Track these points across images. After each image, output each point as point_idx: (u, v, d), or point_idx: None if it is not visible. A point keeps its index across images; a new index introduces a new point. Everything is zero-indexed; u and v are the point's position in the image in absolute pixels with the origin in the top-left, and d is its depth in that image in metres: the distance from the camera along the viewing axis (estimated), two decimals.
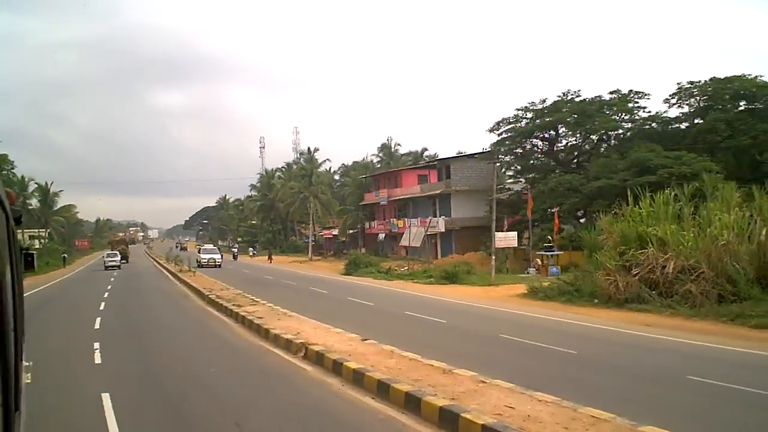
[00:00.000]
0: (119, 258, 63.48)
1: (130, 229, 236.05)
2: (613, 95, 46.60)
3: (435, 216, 58.23)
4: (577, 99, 47.25)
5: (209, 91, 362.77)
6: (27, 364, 4.38)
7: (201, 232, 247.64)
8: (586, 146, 48.55)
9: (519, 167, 53.77)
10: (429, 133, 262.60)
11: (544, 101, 48.43)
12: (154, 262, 72.19)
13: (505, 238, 35.06)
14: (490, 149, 56.37)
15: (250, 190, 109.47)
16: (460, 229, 54.59)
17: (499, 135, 51.06)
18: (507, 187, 59.21)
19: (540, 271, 37.08)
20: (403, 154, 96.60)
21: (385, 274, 42.11)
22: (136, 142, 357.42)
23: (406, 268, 45.84)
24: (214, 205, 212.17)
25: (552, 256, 37.25)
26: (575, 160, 48.32)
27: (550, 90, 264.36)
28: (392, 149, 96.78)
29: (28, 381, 4.44)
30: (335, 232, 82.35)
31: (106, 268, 58.46)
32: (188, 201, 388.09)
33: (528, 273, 38.85)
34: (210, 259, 55.99)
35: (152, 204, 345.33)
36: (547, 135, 49.31)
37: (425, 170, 65.85)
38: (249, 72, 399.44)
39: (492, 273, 33.84)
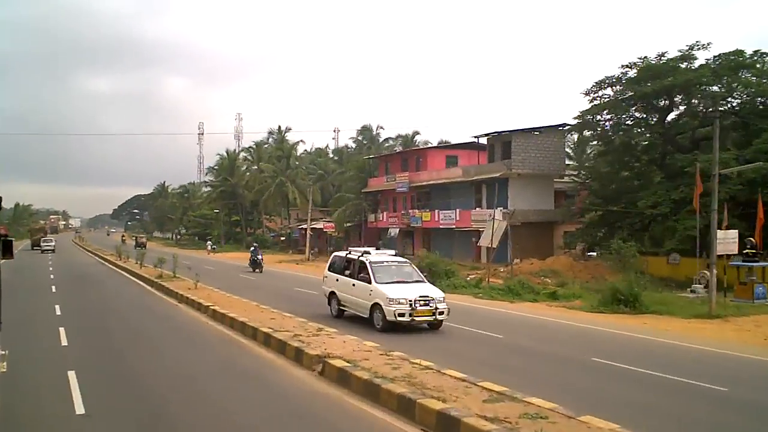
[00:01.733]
0: (53, 243, 68.30)
1: (51, 216, 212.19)
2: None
3: (480, 207, 44.40)
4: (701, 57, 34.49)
5: (142, 77, 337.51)
6: (3, 352, 4.80)
7: (131, 222, 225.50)
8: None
9: (602, 144, 40.70)
10: (402, 118, 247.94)
11: (662, 55, 35.31)
12: (96, 258, 55.15)
13: (725, 240, 21.47)
14: (558, 125, 43.12)
15: (206, 173, 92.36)
16: (521, 225, 40.91)
17: (591, 101, 37.59)
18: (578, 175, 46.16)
19: (738, 293, 23.84)
20: (387, 139, 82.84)
21: (476, 288, 27.96)
22: (60, 126, 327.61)
23: (474, 277, 31.87)
24: (150, 192, 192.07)
25: (754, 268, 24.03)
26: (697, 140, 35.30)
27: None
28: (374, 132, 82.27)
29: (4, 370, 4.93)
30: (318, 225, 67.09)
31: (43, 251, 63.88)
32: (114, 190, 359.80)
33: (694, 292, 25.62)
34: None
35: (74, 192, 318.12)
36: (658, 103, 36.17)
37: (454, 150, 51.86)
38: (184, 58, 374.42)
39: (712, 297, 20.22)
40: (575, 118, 39.41)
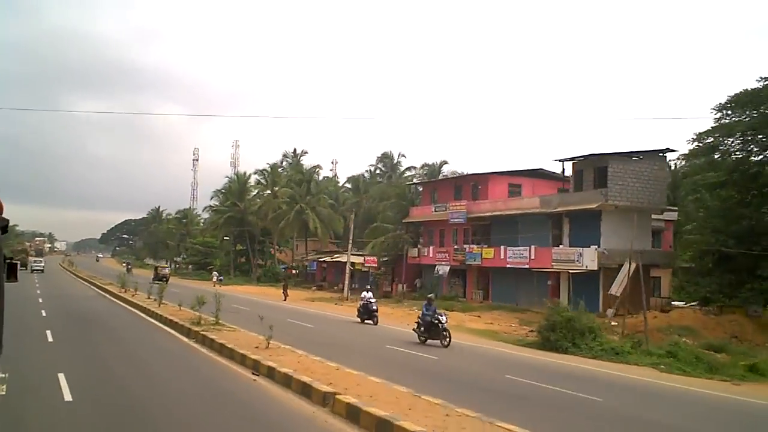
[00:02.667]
0: (43, 264, 71.89)
1: (36, 239, 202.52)
2: None
3: (560, 243, 37.07)
4: None
5: (132, 103, 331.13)
6: (2, 375, 4.85)
7: (119, 248, 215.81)
8: None
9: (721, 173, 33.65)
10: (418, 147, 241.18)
11: None
12: (93, 287, 46.78)
13: None
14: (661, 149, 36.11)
15: (211, 197, 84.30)
16: (616, 267, 33.48)
17: (718, 120, 30.63)
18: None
19: None
20: (410, 167, 75.84)
21: (629, 353, 20.34)
22: (48, 149, 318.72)
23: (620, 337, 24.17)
24: (143, 217, 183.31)
25: None
26: None
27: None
28: (395, 160, 75.20)
29: (3, 393, 4.97)
30: (341, 258, 59.27)
31: (32, 270, 65.06)
32: (100, 214, 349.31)
33: None
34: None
35: (60, 215, 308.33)
36: None
37: (517, 178, 44.65)
38: (175, 86, 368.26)
39: None
40: (690, 140, 32.32)
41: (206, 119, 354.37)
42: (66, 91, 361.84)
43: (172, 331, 20.40)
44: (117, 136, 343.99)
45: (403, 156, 76.95)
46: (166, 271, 59.28)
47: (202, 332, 18.41)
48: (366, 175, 78.56)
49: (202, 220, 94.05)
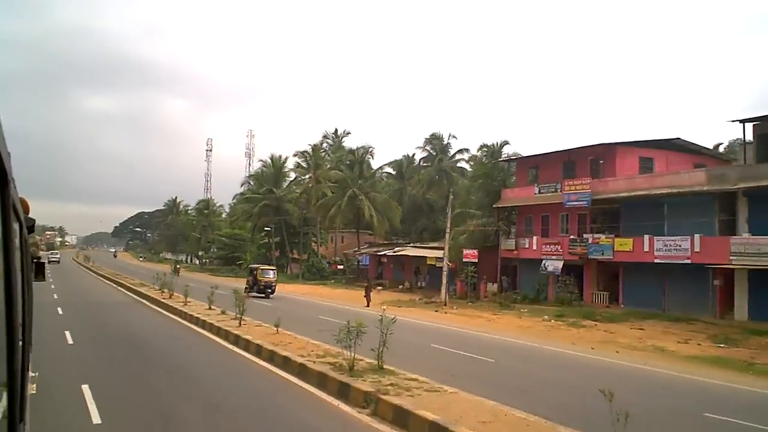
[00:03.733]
0: (59, 255, 77.10)
1: (47, 232, 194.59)
2: None
3: (731, 232, 28.00)
4: None
5: (140, 97, 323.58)
6: (33, 374, 4.33)
7: (132, 242, 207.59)
8: None
9: None
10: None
11: None
12: (124, 290, 37.97)
13: None
14: None
15: (242, 185, 75.60)
16: None
17: None
18: None
19: None
20: (462, 150, 66.85)
21: None
22: (57, 143, 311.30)
23: None
24: (157, 210, 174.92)
25: None
26: None
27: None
28: (444, 142, 66.16)
29: (33, 392, 4.35)
30: (406, 250, 50.35)
31: (49, 262, 62.41)
32: (109, 208, 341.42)
33: None
34: None
35: (70, 209, 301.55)
36: None
37: (648, 150, 35.50)
38: (184, 80, 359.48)
39: None
40: None
41: (214, 111, 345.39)
42: (73, 86, 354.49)
43: (309, 387, 11.31)
44: (126, 130, 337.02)
45: (454, 137, 67.86)
46: (271, 276, 38.85)
47: (380, 395, 9.43)
48: (405, 159, 69.55)
49: (223, 212, 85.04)
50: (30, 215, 3.96)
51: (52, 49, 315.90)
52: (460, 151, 67.28)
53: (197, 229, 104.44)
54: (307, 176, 63.95)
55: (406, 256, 49.39)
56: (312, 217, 68.27)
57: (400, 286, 48.01)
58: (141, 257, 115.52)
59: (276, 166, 69.09)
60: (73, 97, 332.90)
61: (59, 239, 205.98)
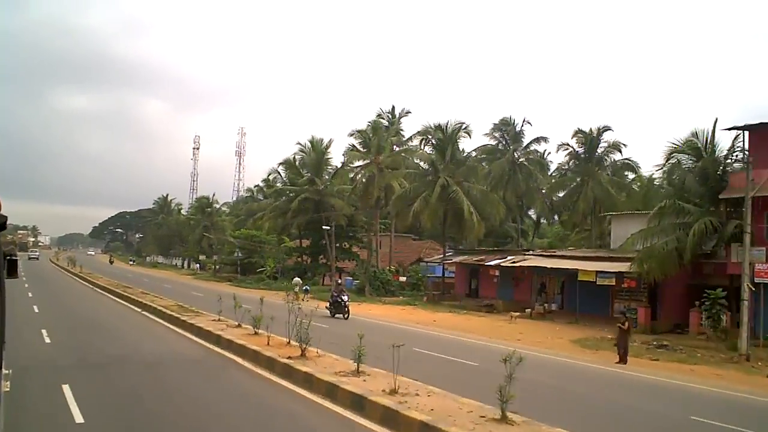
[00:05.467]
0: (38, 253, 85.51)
1: (19, 232, 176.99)
2: None
3: None
4: None
5: (120, 97, 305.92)
6: (6, 372, 4.32)
7: (112, 243, 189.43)
8: None
9: None
10: None
11: None
12: (156, 319, 22.68)
13: None
14: None
15: (269, 174, 60.34)
16: None
17: None
18: None
19: None
20: (538, 138, 53.53)
21: None
22: (31, 143, 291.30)
23: None
24: (144, 209, 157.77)
25: None
26: None
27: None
28: (517, 129, 52.32)
29: (7, 389, 4.49)
30: (529, 260, 36.06)
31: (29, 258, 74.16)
32: (85, 210, 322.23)
33: None
34: None
35: (44, 209, 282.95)
36: None
37: None
38: (166, 80, 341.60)
39: None
40: None
41: (195, 111, 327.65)
42: (51, 83, 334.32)
43: None
44: (103, 129, 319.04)
45: (528, 123, 54.06)
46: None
47: None
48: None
49: (265, 204, 70.00)
50: (2, 212, 4.08)
51: (28, 45, 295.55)
52: (537, 140, 53.61)
53: (197, 229, 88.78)
54: (361, 162, 49.16)
55: (522, 267, 35.03)
56: (358, 215, 53.62)
57: (527, 310, 33.57)
58: (131, 261, 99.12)
59: (317, 150, 54.07)
60: (49, 95, 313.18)
61: (32, 239, 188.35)
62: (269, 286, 50.68)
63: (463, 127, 42.15)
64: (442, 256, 43.52)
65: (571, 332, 26.81)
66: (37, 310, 22.83)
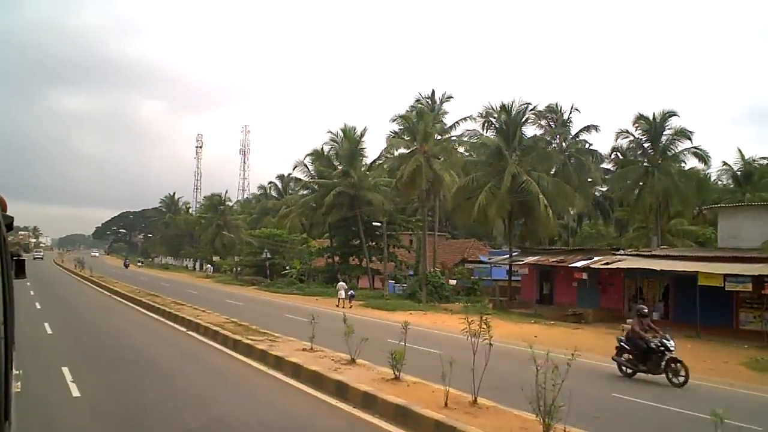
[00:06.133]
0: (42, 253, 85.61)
1: (21, 233, 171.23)
2: None
3: None
4: None
5: (115, 97, 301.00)
6: (16, 372, 4.24)
7: (116, 244, 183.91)
8: None
9: None
10: None
11: None
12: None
13: None
14: None
15: (294, 168, 54.65)
16: None
17: None
18: None
19: None
20: (588, 127, 48.48)
21: None
22: (30, 145, 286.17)
23: None
24: (147, 209, 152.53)
25: None
26: None
27: None
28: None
29: (18, 390, 4.40)
30: (625, 260, 30.52)
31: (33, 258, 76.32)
32: (86, 211, 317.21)
33: None
34: None
35: (44, 211, 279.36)
36: None
37: None
38: (164, 80, 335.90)
39: None
40: None
41: (192, 112, 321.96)
42: (47, 84, 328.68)
43: None
44: (102, 131, 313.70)
45: (577, 110, 48.83)
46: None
47: None
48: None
49: (293, 199, 64.67)
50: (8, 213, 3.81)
51: (23, 46, 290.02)
52: (587, 128, 48.31)
53: (209, 229, 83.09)
54: (396, 152, 43.74)
55: (611, 270, 29.48)
56: (397, 211, 48.22)
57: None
58: (140, 262, 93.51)
59: (350, 139, 48.48)
60: (46, 96, 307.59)
61: (33, 240, 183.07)
62: (302, 291, 45.14)
63: (530, 108, 36.60)
64: (507, 256, 37.92)
65: (721, 351, 21.27)
66: (50, 331, 17.28)
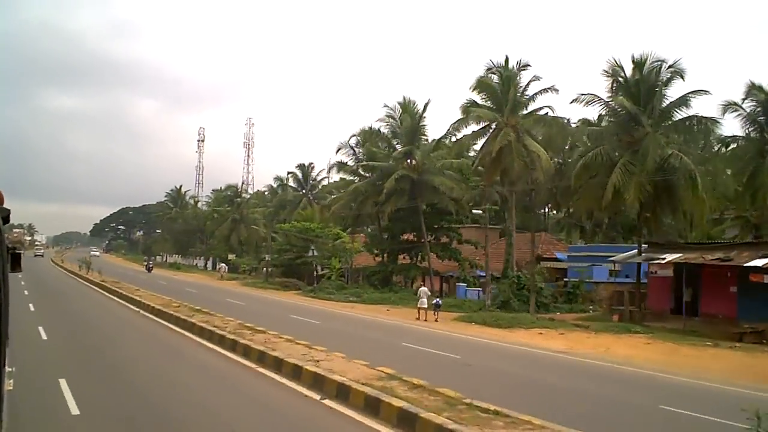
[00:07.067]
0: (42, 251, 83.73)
1: (15, 230, 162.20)
2: None
3: None
4: None
5: (110, 97, 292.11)
6: (9, 369, 4.08)
7: (115, 241, 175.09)
8: None
9: None
10: None
11: None
12: None
13: None
14: None
15: (338, 151, 46.08)
16: None
17: None
18: None
19: None
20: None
21: None
22: (24, 143, 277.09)
23: None
24: (147, 204, 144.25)
25: None
26: None
27: None
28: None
29: (10, 388, 4.21)
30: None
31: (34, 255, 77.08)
32: (81, 208, 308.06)
33: None
34: None
35: (39, 209, 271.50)
36: None
37: None
38: (157, 79, 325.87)
39: None
40: None
41: (183, 114, 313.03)
42: (42, 85, 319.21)
43: None
44: (97, 129, 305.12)
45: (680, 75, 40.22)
46: None
47: None
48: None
49: (334, 185, 57.09)
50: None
51: (17, 46, 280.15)
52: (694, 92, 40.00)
53: (224, 224, 74.82)
54: (471, 127, 35.50)
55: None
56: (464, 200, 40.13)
57: None
58: (145, 262, 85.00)
59: (411, 114, 40.33)
60: (40, 95, 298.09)
61: (29, 238, 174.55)
62: (360, 298, 36.94)
63: (674, 63, 28.25)
64: (631, 252, 29.90)
65: None
66: (76, 411, 8.99)
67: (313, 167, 74.23)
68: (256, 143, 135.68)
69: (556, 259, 42.10)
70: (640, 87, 28.14)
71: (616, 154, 27.33)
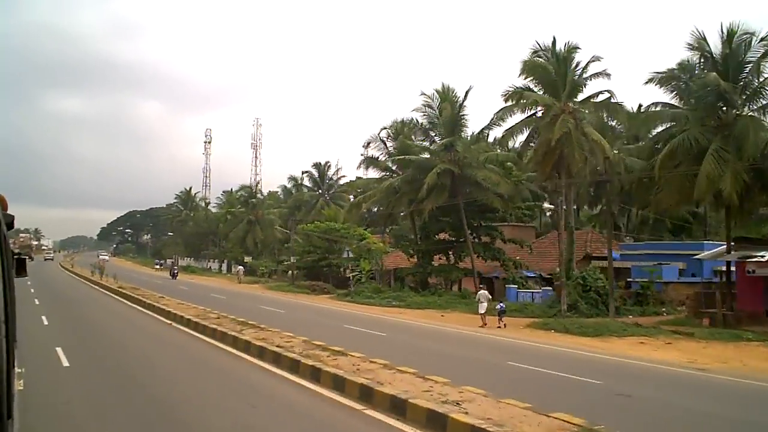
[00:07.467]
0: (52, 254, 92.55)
1: (21, 235, 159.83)
2: None
3: None
4: None
5: (114, 99, 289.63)
6: (19, 370, 4.12)
7: (122, 245, 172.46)
8: None
9: None
10: None
11: None
12: None
13: None
14: None
15: (366, 145, 42.53)
16: None
17: None
18: None
19: None
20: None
21: None
22: (27, 147, 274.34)
23: None
24: (154, 207, 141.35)
25: None
26: None
27: None
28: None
29: (21, 388, 4.34)
30: None
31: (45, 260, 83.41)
32: (88, 212, 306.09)
33: None
34: None
35: (45, 213, 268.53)
36: None
37: None
38: (162, 81, 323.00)
39: None
40: None
41: (187, 116, 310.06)
42: (45, 87, 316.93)
43: None
44: (100, 132, 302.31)
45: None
46: None
47: None
48: None
49: (364, 181, 53.83)
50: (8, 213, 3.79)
51: (19, 48, 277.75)
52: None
53: (239, 225, 71.64)
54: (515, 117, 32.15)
55: None
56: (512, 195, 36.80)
57: None
58: (157, 265, 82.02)
59: (451, 103, 37.03)
60: (43, 99, 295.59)
61: (35, 242, 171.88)
62: (402, 301, 33.66)
63: (758, 40, 24.84)
64: (718, 250, 26.57)
65: None
66: None
67: (329, 166, 71.36)
68: (263, 144, 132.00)
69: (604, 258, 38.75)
70: (728, 62, 24.81)
71: (706, 139, 23.95)
